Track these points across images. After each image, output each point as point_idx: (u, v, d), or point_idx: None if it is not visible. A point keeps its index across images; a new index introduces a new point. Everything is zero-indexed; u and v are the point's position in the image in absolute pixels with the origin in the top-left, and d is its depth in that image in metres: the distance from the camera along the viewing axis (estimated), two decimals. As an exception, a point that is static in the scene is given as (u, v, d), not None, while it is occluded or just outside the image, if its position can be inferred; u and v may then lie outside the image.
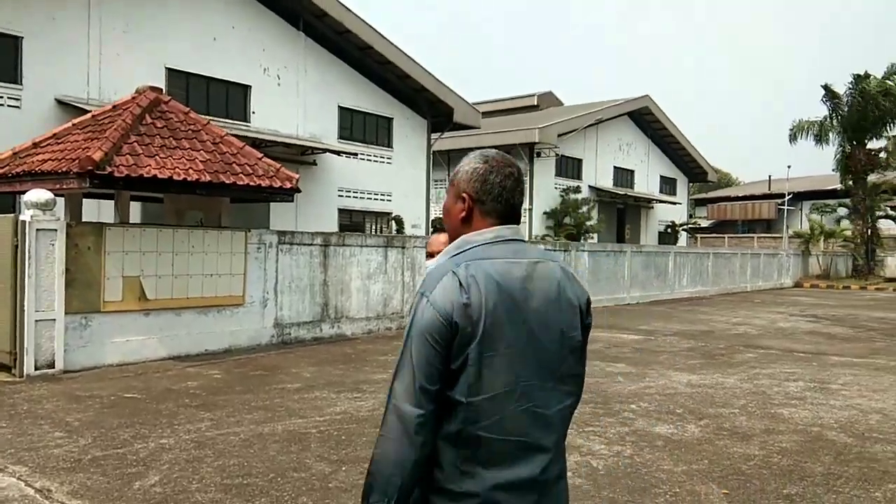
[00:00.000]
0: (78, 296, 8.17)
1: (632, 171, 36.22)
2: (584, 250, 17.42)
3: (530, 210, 30.02)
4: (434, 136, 24.16)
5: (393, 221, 22.46)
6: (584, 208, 29.94)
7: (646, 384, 7.89)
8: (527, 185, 29.76)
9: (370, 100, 22.56)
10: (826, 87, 30.10)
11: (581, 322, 1.72)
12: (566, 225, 29.70)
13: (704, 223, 48.15)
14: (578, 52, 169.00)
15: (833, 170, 33.20)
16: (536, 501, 1.61)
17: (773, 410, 6.76)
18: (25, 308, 7.72)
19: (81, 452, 5.06)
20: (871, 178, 30.65)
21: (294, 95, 20.47)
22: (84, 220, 9.75)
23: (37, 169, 8.43)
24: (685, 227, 40.06)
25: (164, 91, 10.38)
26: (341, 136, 21.75)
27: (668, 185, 39.28)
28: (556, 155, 30.43)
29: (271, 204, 17.98)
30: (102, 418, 6.01)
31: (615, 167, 35.00)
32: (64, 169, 8.00)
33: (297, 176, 9.80)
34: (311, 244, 10.93)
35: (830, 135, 30.64)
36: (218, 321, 9.60)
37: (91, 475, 4.58)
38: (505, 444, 1.58)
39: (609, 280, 18.05)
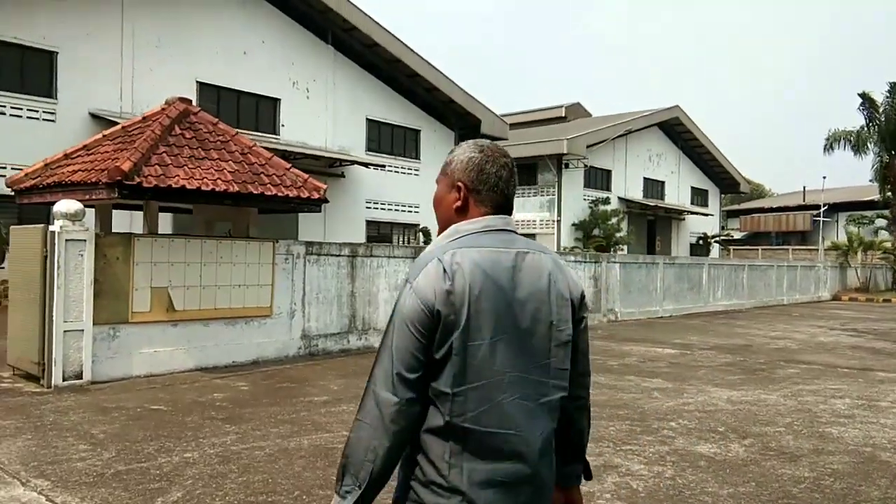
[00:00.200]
0: (106, 306, 8.14)
1: (662, 183, 35.73)
2: (615, 262, 17.08)
3: (558, 222, 29.74)
4: (461, 148, 24.04)
5: (420, 233, 22.35)
6: (614, 220, 29.56)
7: (684, 400, 7.59)
8: (555, 197, 29.79)
9: (398, 112, 22.60)
10: (863, 95, 29.40)
11: (573, 316, 1.68)
12: (595, 237, 29.34)
13: (737, 235, 47.26)
14: (607, 64, 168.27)
15: (870, 180, 32.37)
16: (525, 495, 1.58)
17: (820, 429, 6.42)
18: (54, 318, 7.70)
19: (105, 466, 4.95)
20: (913, 188, 29.80)
21: (323, 108, 20.57)
22: (114, 230, 9.76)
23: (67, 180, 8.45)
24: (717, 238, 39.35)
25: (195, 104, 10.40)
26: (369, 149, 21.79)
27: (699, 196, 38.67)
28: (585, 166, 30.13)
29: (300, 215, 18.02)
30: (128, 431, 5.91)
31: (645, 178, 34.56)
32: (93, 179, 8.00)
33: (324, 186, 9.71)
34: (339, 255, 10.83)
35: (868, 144, 29.87)
36: (245, 332, 9.52)
37: (113, 490, 4.46)
38: (493, 437, 1.54)
39: (641, 292, 17.67)
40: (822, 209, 40.09)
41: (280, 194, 9.05)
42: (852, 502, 4.52)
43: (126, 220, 13.12)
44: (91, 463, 5.03)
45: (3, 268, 11.74)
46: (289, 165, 9.81)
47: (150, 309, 8.52)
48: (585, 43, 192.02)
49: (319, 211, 10.67)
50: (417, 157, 23.42)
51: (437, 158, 22.98)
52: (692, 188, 37.95)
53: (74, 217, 7.90)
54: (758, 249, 43.38)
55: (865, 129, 29.93)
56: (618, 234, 29.50)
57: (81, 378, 7.86)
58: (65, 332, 7.77)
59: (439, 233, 1.74)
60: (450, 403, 1.54)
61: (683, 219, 37.01)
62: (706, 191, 39.23)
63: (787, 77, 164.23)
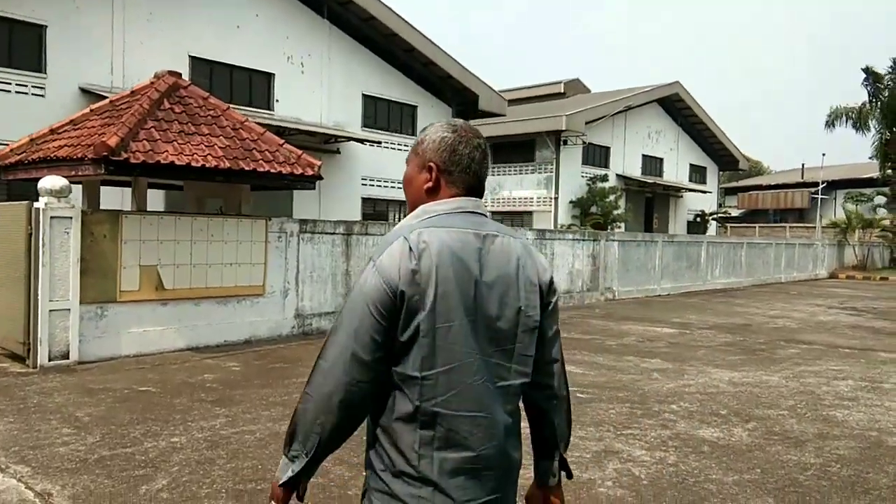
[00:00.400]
0: (93, 285, 7.94)
1: (661, 160, 35.42)
2: (613, 240, 16.89)
3: (556, 199, 29.50)
4: (459, 123, 23.70)
5: (417, 210, 22.11)
6: (612, 197, 29.32)
7: (685, 382, 7.45)
8: (553, 174, 29.57)
9: (395, 87, 22.21)
10: (868, 70, 29.02)
11: (542, 301, 1.64)
12: (593, 214, 29.13)
13: (735, 212, 47.08)
14: (606, 39, 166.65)
15: (870, 157, 32.13)
16: (494, 480, 1.56)
17: (824, 412, 6.29)
18: (39, 297, 7.50)
19: (88, 451, 4.78)
20: (912, 166, 29.59)
21: (318, 83, 20.19)
22: (103, 208, 9.52)
23: (52, 155, 8.19)
24: (715, 216, 39.17)
25: (187, 79, 10.11)
26: (365, 125, 21.45)
27: (697, 173, 38.37)
28: (584, 143, 29.81)
29: (294, 192, 17.76)
30: (114, 413, 5.75)
31: (644, 155, 34.24)
32: (79, 155, 7.75)
33: (319, 163, 9.47)
34: (334, 233, 10.61)
35: (870, 121, 29.58)
36: (237, 311, 9.34)
37: (96, 477, 4.30)
38: (463, 420, 1.52)
39: (640, 270, 17.51)
40: (821, 187, 39.86)
41: (273, 171, 8.82)
42: (861, 490, 4.38)
43: (117, 197, 12.87)
44: (74, 448, 4.86)
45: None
46: (282, 141, 9.55)
47: (139, 288, 8.32)
48: (584, 15, 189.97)
49: (314, 188, 10.43)
50: (414, 133, 23.07)
51: (433, 135, 22.67)
52: (691, 165, 37.64)
53: (60, 193, 7.67)
54: (755, 227, 43.24)
55: (868, 105, 29.61)
56: (615, 212, 29.29)
57: (68, 358, 7.69)
58: (50, 311, 7.58)
59: (408, 213, 1.69)
60: (419, 387, 1.51)
61: (681, 196, 36.78)
62: (704, 168, 38.93)
63: (787, 53, 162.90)
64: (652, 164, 34.90)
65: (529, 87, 38.87)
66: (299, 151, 9.49)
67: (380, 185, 21.84)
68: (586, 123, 29.00)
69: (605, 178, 30.50)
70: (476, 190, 1.69)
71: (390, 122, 22.70)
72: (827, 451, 5.14)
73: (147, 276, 8.39)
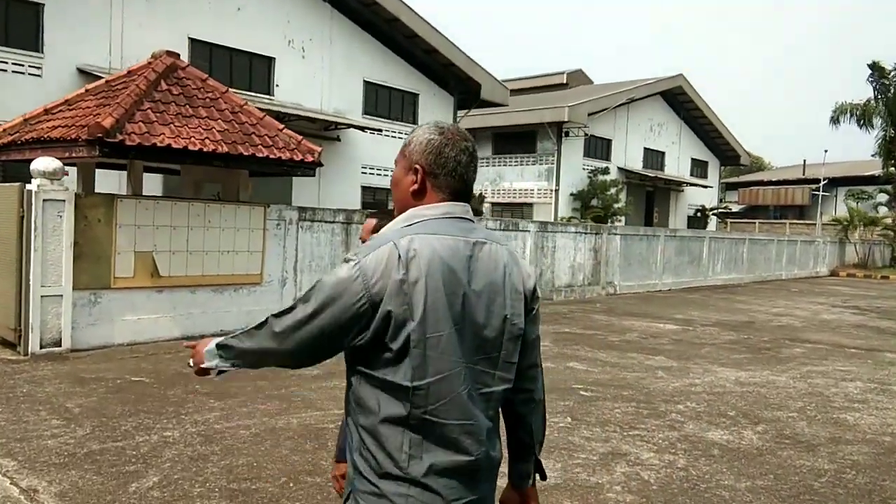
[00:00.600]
0: (87, 271, 7.74)
1: (662, 153, 35.17)
2: (616, 233, 16.71)
3: (556, 191, 29.29)
4: (460, 113, 23.47)
5: (416, 200, 21.89)
6: (613, 190, 29.09)
7: (690, 381, 7.29)
8: (554, 166, 29.35)
9: (396, 75, 21.93)
10: (874, 66, 28.73)
11: (526, 308, 1.66)
12: (593, 207, 28.92)
13: (735, 208, 46.91)
14: (610, 30, 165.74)
15: (873, 154, 31.93)
16: (479, 480, 1.58)
17: (835, 415, 6.13)
18: (31, 283, 7.31)
19: (78, 445, 4.61)
20: (916, 164, 29.40)
21: (319, 69, 19.91)
22: (98, 191, 9.31)
23: (46, 136, 7.97)
24: (716, 211, 38.98)
25: (186, 62, 9.87)
26: (366, 112, 21.19)
27: (699, 167, 38.13)
28: (586, 135, 29.56)
29: (293, 179, 17.55)
30: (105, 405, 5.57)
31: (645, 148, 33.98)
32: (73, 136, 7.54)
33: (319, 149, 9.26)
34: (334, 221, 10.42)
35: (874, 118, 29.36)
36: (234, 300, 9.15)
37: (84, 473, 4.13)
38: (451, 428, 1.53)
39: (641, 265, 17.34)
40: (822, 183, 39.68)
41: (272, 156, 8.61)
42: (879, 500, 4.23)
43: (115, 181, 12.65)
44: (63, 441, 4.69)
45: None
46: (282, 126, 9.34)
47: (134, 274, 8.13)
48: (588, 11, 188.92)
49: (313, 175, 10.22)
50: (415, 121, 22.81)
51: (435, 123, 22.44)
52: (692, 159, 37.40)
53: (53, 176, 7.46)
54: (755, 223, 43.11)
55: (873, 101, 29.37)
56: (616, 205, 29.08)
57: (60, 346, 7.50)
58: (42, 297, 7.38)
59: (395, 216, 1.66)
60: (410, 396, 1.51)
61: (682, 190, 36.57)
62: (706, 162, 38.70)
63: (790, 48, 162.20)
64: (653, 157, 34.66)
65: (532, 78, 38.54)
66: (299, 137, 9.28)
67: (380, 174, 21.60)
68: (588, 115, 28.74)
69: (606, 171, 30.27)
70: (463, 194, 1.67)
71: (391, 109, 22.45)
72: (840, 457, 4.99)
73: (142, 262, 8.20)
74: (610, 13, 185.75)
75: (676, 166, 36.04)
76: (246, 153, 8.35)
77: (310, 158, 9.11)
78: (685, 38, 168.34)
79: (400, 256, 1.49)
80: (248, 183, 9.72)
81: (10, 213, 7.53)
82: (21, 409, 5.37)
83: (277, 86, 19.17)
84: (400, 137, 22.00)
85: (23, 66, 14.96)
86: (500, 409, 1.68)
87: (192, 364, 1.81)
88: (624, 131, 32.56)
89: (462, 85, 23.07)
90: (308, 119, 18.29)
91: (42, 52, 15.12)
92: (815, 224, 37.75)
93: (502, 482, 1.76)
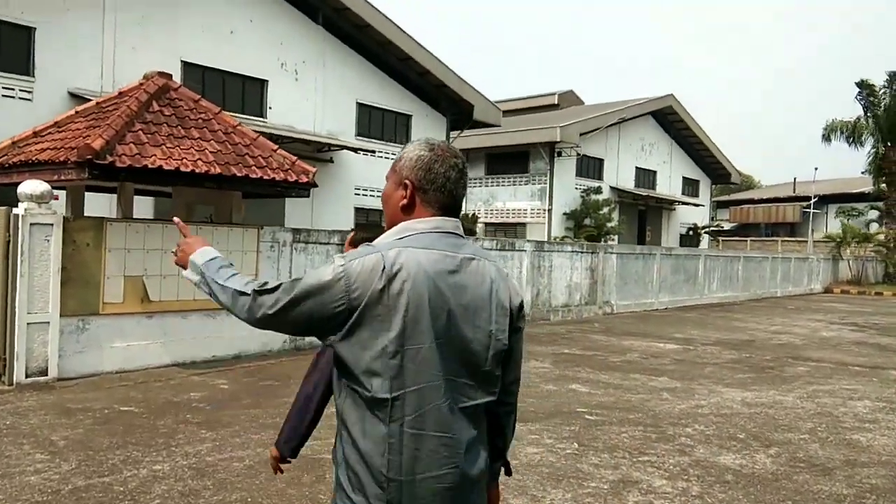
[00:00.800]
0: (75, 296, 7.53)
1: (654, 172, 35.27)
2: (612, 252, 16.60)
3: (550, 210, 29.26)
4: (453, 134, 23.46)
5: (410, 221, 21.74)
6: (605, 209, 29.10)
7: (696, 402, 7.11)
8: (547, 186, 29.34)
9: (389, 96, 21.92)
10: (862, 84, 28.99)
11: (511, 325, 1.68)
12: (586, 226, 28.88)
13: (726, 226, 47.05)
14: (599, 52, 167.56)
15: (863, 172, 32.12)
16: (458, 499, 1.58)
17: (847, 436, 5.97)
18: (17, 310, 7.08)
19: (62, 480, 4.38)
20: (906, 180, 29.55)
21: (312, 91, 19.87)
22: (87, 214, 9.11)
23: (34, 158, 7.80)
24: (707, 229, 39.05)
25: (179, 82, 9.75)
26: (359, 133, 21.13)
27: (690, 186, 38.27)
28: (578, 154, 29.62)
29: (286, 200, 17.41)
30: (92, 437, 5.34)
31: (637, 168, 34.09)
32: (62, 158, 7.37)
33: (313, 170, 9.12)
34: (328, 243, 10.25)
35: (864, 135, 29.56)
36: (227, 325, 8.93)
37: (69, 511, 3.91)
38: (429, 440, 1.54)
39: (637, 283, 17.22)
40: (813, 201, 39.86)
41: (266, 177, 8.45)
42: (903, 527, 4.05)
43: (104, 204, 12.45)
44: (47, 476, 4.46)
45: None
46: (276, 147, 9.21)
47: (123, 299, 7.91)
48: (578, 33, 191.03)
49: (308, 196, 10.07)
50: (408, 142, 22.79)
51: (428, 144, 22.40)
52: (683, 178, 37.54)
53: (41, 199, 7.27)
54: (747, 241, 43.21)
55: (863, 119, 29.59)
56: (609, 224, 29.07)
57: (46, 374, 7.26)
58: (28, 324, 7.15)
59: (386, 230, 1.69)
60: (389, 408, 1.52)
61: (674, 209, 36.65)
62: (697, 181, 38.86)
63: (778, 67, 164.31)
64: (645, 176, 34.75)
65: (523, 98, 38.72)
66: (293, 158, 9.14)
67: (373, 195, 21.48)
68: (580, 135, 28.82)
69: (598, 191, 30.31)
70: (452, 209, 1.69)
71: (384, 131, 22.41)
72: (858, 481, 4.81)
73: (132, 287, 7.99)
74: (599, 35, 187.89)
75: (668, 185, 36.14)
76: (239, 174, 8.19)
77: (304, 179, 8.96)
78: (674, 57, 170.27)
79: (385, 267, 1.52)
80: (241, 205, 9.56)
81: (-4, 237, 7.32)
82: (4, 443, 5.13)
83: (270, 108, 19.09)
84: (393, 158, 21.83)
85: (13, 89, 14.81)
86: (485, 423, 1.69)
87: (175, 253, 1.86)
88: (616, 151, 32.66)
89: (455, 106, 23.09)
90: (301, 141, 18.20)
91: (33, 76, 14.98)
92: (806, 241, 37.85)
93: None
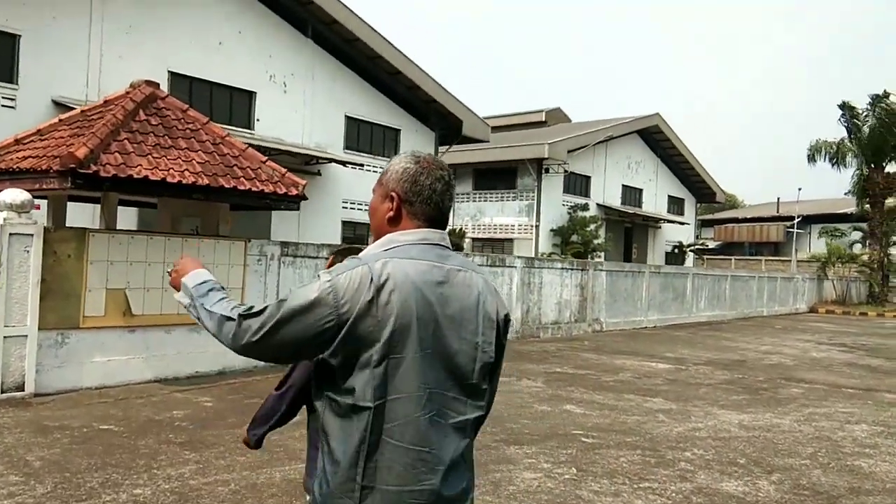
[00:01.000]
0: (54, 309, 7.27)
1: (640, 190, 35.47)
2: (602, 269, 16.53)
3: (537, 227, 29.25)
4: (442, 149, 23.40)
5: (398, 235, 21.60)
6: (592, 226, 29.14)
7: (693, 425, 6.97)
8: (534, 202, 29.34)
9: (378, 110, 21.84)
10: (844, 105, 29.34)
11: (499, 338, 1.67)
12: (573, 243, 28.89)
13: (711, 244, 47.34)
14: (585, 70, 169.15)
15: (846, 193, 32.45)
16: None
17: (848, 462, 5.85)
18: (-7, 322, 6.82)
19: (37, 506, 4.14)
20: (890, 202, 29.85)
21: (300, 104, 19.73)
22: (69, 225, 8.86)
23: (15, 167, 7.56)
24: (693, 247, 39.24)
25: (166, 92, 9.55)
26: (347, 147, 21.00)
27: (675, 205, 38.51)
28: (565, 171, 29.68)
29: (273, 213, 17.19)
30: (70, 457, 5.09)
31: (623, 185, 34.25)
32: (44, 167, 7.14)
33: (303, 182, 8.96)
34: (317, 257, 10.05)
35: (848, 157, 29.87)
36: (211, 340, 8.56)
37: (43, 540, 3.67)
38: (405, 452, 1.51)
39: (626, 301, 17.14)
40: (797, 221, 40.21)
41: (255, 189, 8.27)
42: (917, 560, 3.91)
43: (87, 214, 12.17)
44: (21, 500, 4.21)
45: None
46: (265, 158, 9.03)
47: (105, 313, 7.66)
48: (564, 51, 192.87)
49: (297, 209, 9.90)
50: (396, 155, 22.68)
51: (417, 159, 22.28)
52: (669, 196, 37.79)
53: (20, 208, 7.04)
54: (731, 259, 43.46)
55: (847, 140, 29.92)
56: (595, 241, 29.11)
57: (23, 390, 6.98)
58: (5, 337, 6.89)
59: (373, 242, 1.69)
60: (369, 417, 1.51)
61: (660, 227, 36.83)
62: (682, 199, 39.12)
63: (763, 87, 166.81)
64: (631, 194, 34.93)
65: (511, 115, 38.85)
66: (283, 170, 8.96)
67: (361, 209, 21.31)
68: (568, 152, 28.92)
69: (585, 208, 30.38)
70: (438, 221, 1.68)
71: (373, 144, 22.31)
72: (864, 510, 4.69)
73: (114, 300, 7.75)
74: (585, 54, 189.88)
75: (654, 203, 36.34)
76: (227, 186, 8.00)
77: (293, 192, 8.79)
78: (659, 76, 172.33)
79: (372, 279, 1.51)
80: (229, 217, 9.35)
81: (-27, 247, 7.06)
82: (-25, 464, 4.87)
83: (258, 120, 18.92)
84: (381, 172, 21.80)
85: (-5, 97, 14.53)
86: (472, 440, 1.66)
87: (170, 274, 1.83)
88: (602, 168, 32.81)
89: (443, 121, 23.06)
90: (289, 153, 18.03)
91: (17, 84, 14.71)
92: (790, 260, 38.13)
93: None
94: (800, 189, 39.99)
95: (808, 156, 30.87)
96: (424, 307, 1.53)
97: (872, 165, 29.27)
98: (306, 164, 19.47)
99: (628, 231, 35.07)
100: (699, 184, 39.09)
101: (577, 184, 31.56)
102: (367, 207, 22.38)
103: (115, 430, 5.93)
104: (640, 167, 35.46)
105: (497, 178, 30.41)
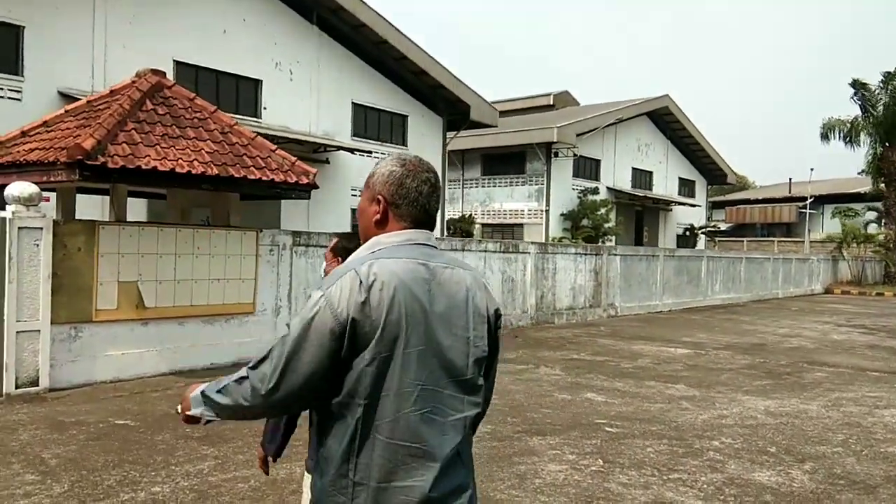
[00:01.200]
0: (66, 303, 7.17)
1: (650, 173, 35.14)
2: (616, 254, 16.33)
3: (547, 211, 29.04)
4: (450, 134, 23.15)
5: (407, 222, 21.49)
6: (603, 210, 28.89)
7: (718, 412, 6.82)
8: (543, 187, 29.10)
9: (385, 97, 21.62)
10: (856, 83, 28.83)
11: (490, 332, 1.69)
12: (584, 227, 28.66)
13: (722, 226, 46.93)
14: (593, 51, 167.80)
15: (860, 172, 32.02)
16: None
17: (881, 448, 5.69)
18: (5, 318, 6.72)
19: (54, 506, 4.05)
20: (905, 180, 29.42)
21: (307, 91, 19.55)
22: (78, 218, 8.75)
23: (22, 159, 7.44)
24: (704, 230, 38.91)
25: (172, 80, 9.39)
26: (355, 134, 20.83)
27: (686, 187, 38.15)
28: (575, 155, 29.39)
29: (282, 202, 17.07)
30: (86, 454, 5.00)
31: (633, 168, 33.93)
32: (51, 159, 7.01)
33: (314, 171, 8.80)
34: (329, 246, 9.91)
35: (861, 135, 29.42)
36: (225, 331, 8.60)
37: (61, 543, 3.57)
38: (398, 450, 1.52)
39: (641, 286, 16.95)
40: (809, 201, 39.78)
41: (265, 178, 8.12)
42: (965, 552, 3.76)
43: (97, 207, 12.07)
44: (37, 500, 4.12)
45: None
46: (274, 147, 8.88)
47: (117, 306, 7.56)
48: (571, 33, 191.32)
49: (308, 198, 9.73)
50: (405, 143, 22.49)
51: (424, 145, 22.11)
52: (680, 179, 37.43)
53: (29, 201, 6.92)
54: (743, 241, 43.10)
55: (860, 118, 29.44)
56: (606, 225, 28.86)
57: (38, 385, 6.90)
58: (18, 332, 6.80)
59: (360, 244, 1.71)
60: (361, 413, 1.53)
61: (671, 210, 36.50)
62: (693, 181, 38.75)
63: (773, 67, 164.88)
64: (642, 177, 34.60)
65: (519, 99, 38.50)
66: (293, 158, 8.81)
67: (370, 197, 21.19)
68: (577, 136, 28.62)
69: (595, 191, 30.11)
70: (425, 223, 1.71)
71: (381, 131, 22.11)
72: (904, 499, 4.53)
73: (126, 293, 7.64)
74: (592, 34, 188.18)
75: (664, 185, 36.00)
76: (237, 175, 7.85)
77: (304, 180, 8.64)
78: (668, 57, 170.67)
79: (361, 282, 1.53)
80: (239, 206, 9.22)
81: (-17, 242, 6.96)
82: (-10, 463, 4.78)
83: (265, 108, 18.77)
84: (390, 159, 21.64)
85: (2, 89, 14.42)
86: (471, 437, 1.67)
87: (179, 411, 1.77)
88: (612, 151, 32.49)
89: (451, 106, 22.81)
90: (296, 142, 17.87)
91: (22, 76, 14.59)
92: (802, 241, 37.77)
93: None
94: (812, 169, 39.46)
95: (821, 134, 30.43)
96: (413, 304, 1.55)
97: (887, 144, 28.82)
98: (314, 151, 19.30)
99: (639, 214, 34.78)
100: (710, 165, 38.69)
101: (587, 167, 31.27)
102: (376, 195, 22.22)
103: (131, 424, 5.84)
104: (650, 149, 35.09)
105: (506, 163, 30.15)
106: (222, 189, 8.26)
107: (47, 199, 8.22)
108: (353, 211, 20.85)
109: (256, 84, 18.71)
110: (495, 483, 4.60)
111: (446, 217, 23.73)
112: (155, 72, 8.79)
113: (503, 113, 30.35)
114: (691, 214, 37.96)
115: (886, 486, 4.78)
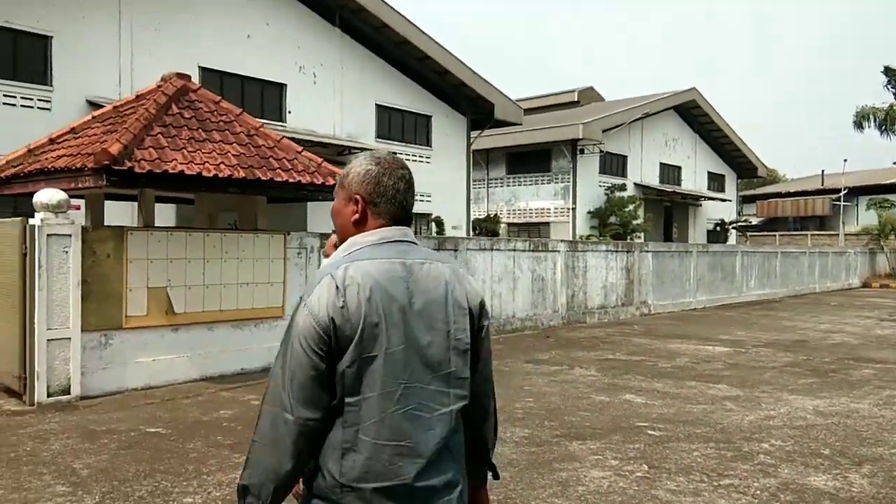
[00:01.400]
0: (96, 310, 7.14)
1: (678, 168, 34.56)
2: (648, 251, 16.00)
3: (573, 209, 28.70)
4: (474, 133, 22.97)
5: (433, 223, 21.36)
6: (631, 207, 28.45)
7: (765, 413, 6.55)
8: (570, 184, 28.77)
9: (408, 97, 21.53)
10: (888, 70, 28.04)
11: (473, 324, 1.68)
12: (611, 224, 28.26)
13: (754, 220, 46.04)
14: (617, 46, 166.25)
15: (895, 162, 31.14)
16: None
17: (943, 450, 5.38)
18: (36, 325, 6.70)
19: (85, 519, 3.95)
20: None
21: (331, 94, 19.53)
22: (107, 223, 8.75)
23: (50, 166, 7.42)
24: (735, 224, 38.17)
25: (198, 84, 9.36)
26: (379, 135, 20.76)
27: (716, 181, 37.47)
28: (601, 151, 29.01)
29: (308, 205, 17.04)
30: (118, 464, 4.92)
31: (661, 163, 33.39)
32: (79, 165, 6.97)
33: (340, 172, 8.66)
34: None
35: (897, 123, 28.61)
36: (255, 336, 8.52)
37: (92, 558, 3.47)
38: (384, 450, 1.53)
39: (674, 282, 16.59)
40: (843, 193, 38.82)
41: (292, 180, 8.02)
42: None
43: (125, 212, 12.12)
44: (69, 513, 4.03)
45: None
46: (300, 148, 8.79)
47: (147, 312, 7.51)
48: (596, 26, 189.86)
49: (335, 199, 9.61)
50: (429, 143, 22.38)
51: (449, 145, 21.98)
52: (709, 173, 36.78)
53: (57, 208, 6.89)
54: (775, 235, 42.21)
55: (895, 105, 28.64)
56: (634, 222, 28.43)
57: (69, 393, 6.87)
58: (48, 340, 6.77)
59: (338, 245, 1.73)
60: (346, 415, 1.54)
61: (700, 205, 35.88)
62: (723, 176, 38.05)
63: (804, 59, 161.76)
64: (670, 172, 34.05)
65: (543, 97, 38.13)
66: (319, 159, 8.71)
67: (396, 198, 21.10)
68: (603, 132, 28.23)
69: (623, 188, 29.69)
70: (403, 220, 1.72)
71: (405, 132, 22.03)
72: (975, 505, 4.25)
73: (155, 299, 7.60)
74: (618, 27, 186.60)
75: (693, 180, 35.40)
76: (264, 178, 7.76)
77: (331, 181, 8.51)
78: (695, 51, 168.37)
79: (337, 286, 1.54)
80: (266, 209, 9.15)
81: (13, 250, 6.96)
82: (23, 473, 4.72)
83: (290, 112, 18.78)
84: (414, 160, 21.51)
85: (31, 99, 14.59)
86: (460, 430, 1.66)
87: None
88: (639, 147, 32.02)
89: (475, 105, 22.63)
90: (321, 144, 17.84)
91: (51, 85, 14.75)
92: (837, 234, 36.86)
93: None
94: (845, 160, 38.42)
95: (855, 122, 29.65)
96: (391, 304, 1.56)
97: (925, 132, 27.99)
98: (339, 154, 19.26)
99: (668, 210, 34.24)
100: (740, 159, 37.96)
101: (614, 164, 30.85)
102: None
103: (162, 432, 5.76)
104: (678, 144, 34.52)
105: (531, 161, 29.88)
106: (249, 192, 8.19)
107: (77, 208, 8.24)
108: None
109: (281, 88, 18.74)
110: (537, 491, 4.42)
111: (471, 217, 23.52)
112: (180, 75, 8.76)
113: (527, 111, 30.04)
114: (721, 209, 37.27)
115: (954, 490, 4.50)
